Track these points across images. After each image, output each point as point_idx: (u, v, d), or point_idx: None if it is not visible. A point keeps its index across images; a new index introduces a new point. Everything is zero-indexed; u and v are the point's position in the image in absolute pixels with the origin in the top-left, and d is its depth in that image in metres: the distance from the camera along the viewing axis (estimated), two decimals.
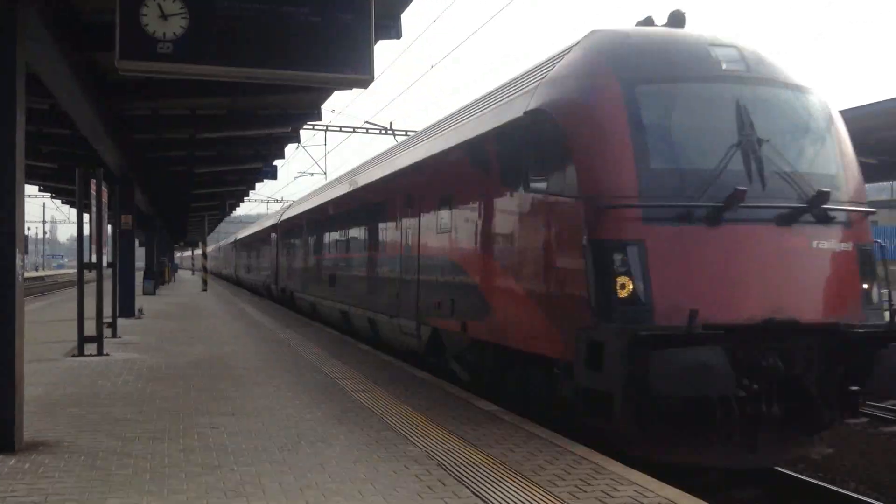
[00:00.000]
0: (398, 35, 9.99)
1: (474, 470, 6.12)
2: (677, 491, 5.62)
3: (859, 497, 7.85)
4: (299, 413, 8.27)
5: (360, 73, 6.44)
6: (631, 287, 7.04)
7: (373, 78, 6.47)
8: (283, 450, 6.69)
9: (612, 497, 5.46)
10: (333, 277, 19.03)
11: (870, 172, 11.40)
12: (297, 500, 5.29)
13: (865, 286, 7.73)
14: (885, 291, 8.03)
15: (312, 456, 6.49)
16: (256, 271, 39.52)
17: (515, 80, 10.03)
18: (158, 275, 39.35)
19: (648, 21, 8.97)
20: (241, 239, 49.31)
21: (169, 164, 23.22)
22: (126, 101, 14.43)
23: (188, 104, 15.90)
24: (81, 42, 10.28)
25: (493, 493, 5.53)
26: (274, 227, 32.00)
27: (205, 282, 41.14)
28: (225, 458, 6.41)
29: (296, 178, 62.90)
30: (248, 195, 38.97)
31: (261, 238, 37.22)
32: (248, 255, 44.27)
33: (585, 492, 5.58)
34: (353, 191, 17.65)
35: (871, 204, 8.58)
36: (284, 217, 30.24)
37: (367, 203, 15.94)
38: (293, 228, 27.12)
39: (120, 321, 16.79)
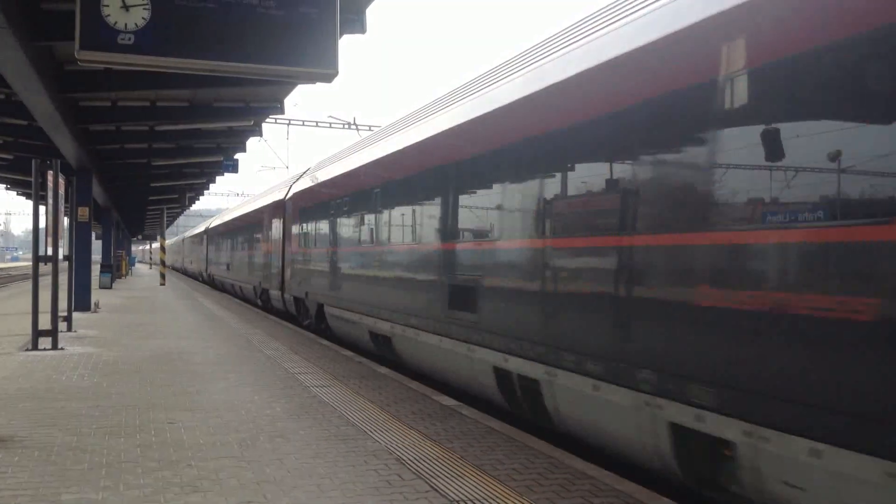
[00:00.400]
0: (363, 29, 10.01)
1: (433, 464, 6.15)
2: (634, 485, 5.70)
3: None
4: (258, 408, 8.23)
5: (324, 68, 6.43)
6: None
7: (337, 72, 6.47)
8: (242, 445, 6.66)
9: (570, 491, 5.53)
10: (471, 291, 8.73)
11: None
12: (256, 495, 5.28)
13: None
14: None
15: (271, 451, 6.47)
16: (244, 269, 28.09)
17: None
18: (115, 268, 38.79)
19: None
20: (223, 224, 37.38)
21: (128, 157, 22.96)
22: (85, 91, 14.23)
23: (148, 96, 15.76)
24: (40, 31, 10.14)
25: (452, 487, 5.57)
26: (280, 205, 21.55)
27: (163, 276, 40.66)
28: (182, 453, 6.37)
29: (258, 171, 62.44)
30: (208, 188, 38.56)
31: (254, 220, 26.10)
32: (232, 246, 32.55)
33: (542, 486, 5.65)
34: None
35: None
36: (300, 187, 19.27)
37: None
38: (327, 200, 15.89)
39: (76, 315, 16.56)
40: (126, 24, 5.91)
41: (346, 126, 32.82)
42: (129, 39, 5.94)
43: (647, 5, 6.52)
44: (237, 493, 5.33)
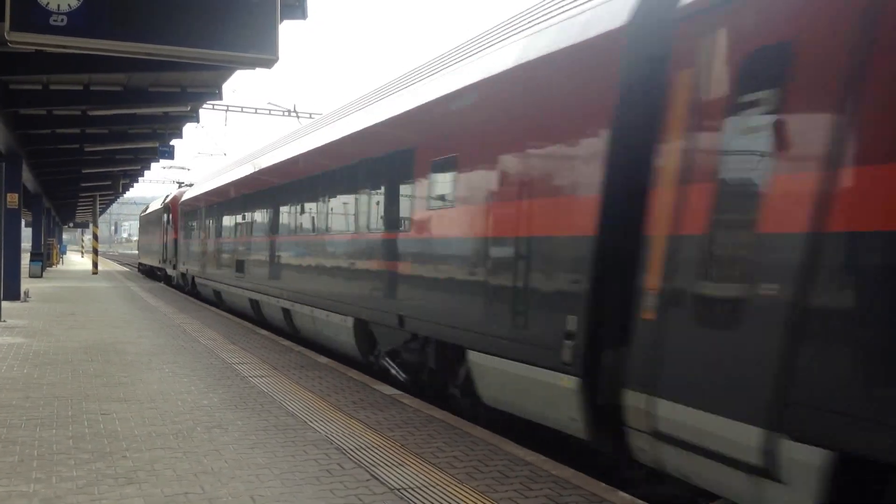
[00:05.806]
0: (304, 16, 9.90)
1: (374, 453, 6.15)
2: (572, 471, 5.79)
3: None
4: (195, 399, 8.12)
5: (264, 53, 6.35)
6: None
7: (277, 58, 6.39)
8: (178, 436, 6.56)
9: (509, 477, 5.59)
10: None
11: None
12: (193, 486, 5.21)
13: None
14: None
15: (208, 442, 6.39)
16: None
17: None
18: (46, 257, 37.76)
19: None
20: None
21: (59, 142, 22.31)
22: (15, 74, 13.79)
23: (81, 79, 15.34)
24: None
25: (393, 475, 5.58)
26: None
27: (95, 265, 39.74)
28: (116, 444, 6.25)
29: (195, 157, 61.35)
30: (143, 175, 37.73)
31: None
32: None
33: (483, 472, 5.69)
34: None
35: None
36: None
37: None
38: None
39: (4, 304, 16.07)
40: (59, 5, 5.74)
41: (286, 113, 32.47)
42: (62, 21, 5.77)
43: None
44: (173, 484, 5.25)
